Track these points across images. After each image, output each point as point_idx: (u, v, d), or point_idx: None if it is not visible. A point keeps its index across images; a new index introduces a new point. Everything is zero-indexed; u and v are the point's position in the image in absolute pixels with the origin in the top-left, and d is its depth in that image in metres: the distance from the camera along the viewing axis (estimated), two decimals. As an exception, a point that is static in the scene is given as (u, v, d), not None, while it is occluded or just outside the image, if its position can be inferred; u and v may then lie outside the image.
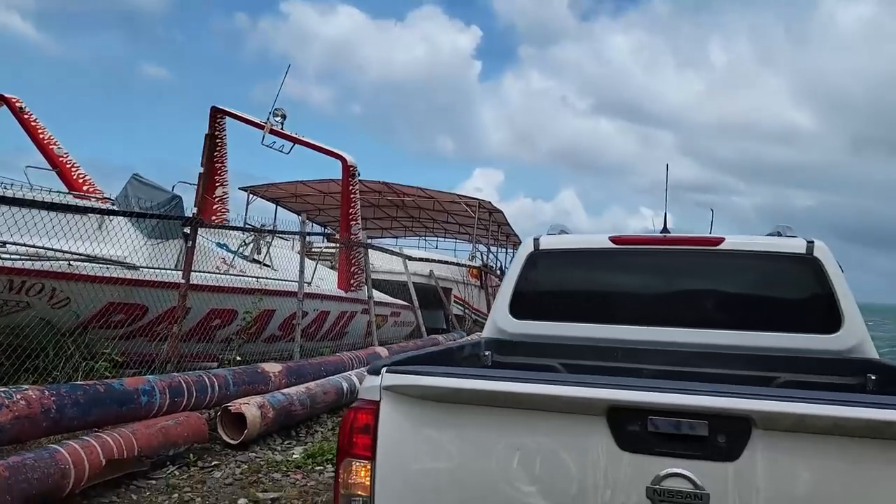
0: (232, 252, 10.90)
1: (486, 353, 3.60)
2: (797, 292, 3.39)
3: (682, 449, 1.78)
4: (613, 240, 3.68)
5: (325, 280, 11.90)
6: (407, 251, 16.51)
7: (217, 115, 11.36)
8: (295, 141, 10.82)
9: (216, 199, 12.23)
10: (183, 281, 7.32)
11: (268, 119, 10.95)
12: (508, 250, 26.28)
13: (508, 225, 22.68)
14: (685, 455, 1.78)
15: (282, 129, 10.85)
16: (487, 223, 20.85)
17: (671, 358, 3.41)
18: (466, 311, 17.88)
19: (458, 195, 19.35)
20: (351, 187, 10.69)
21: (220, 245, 10.94)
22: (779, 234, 3.64)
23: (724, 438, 1.77)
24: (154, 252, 9.01)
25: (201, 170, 7.17)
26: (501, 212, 20.89)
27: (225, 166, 12.10)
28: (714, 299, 3.60)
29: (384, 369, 2.06)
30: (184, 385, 5.96)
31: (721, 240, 3.50)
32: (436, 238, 25.71)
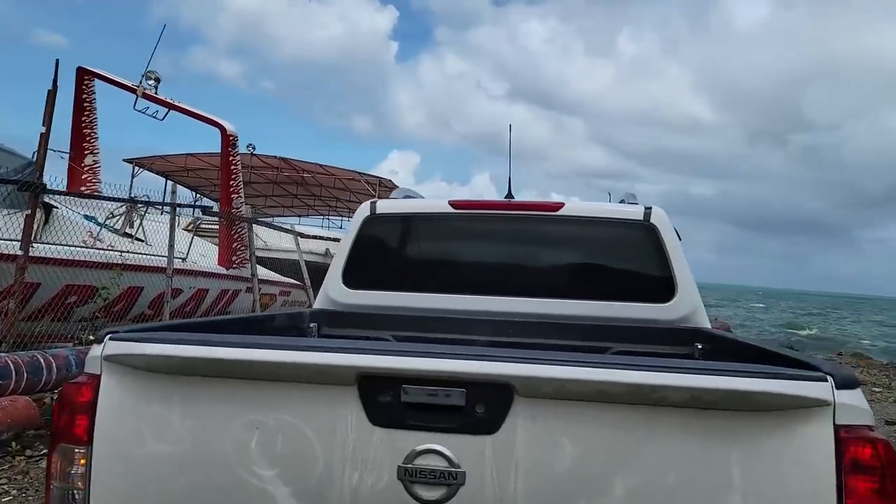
0: (99, 225, 10.12)
1: (312, 325, 3.30)
2: (633, 260, 3.27)
3: (438, 422, 1.55)
4: (453, 204, 3.45)
5: (207, 257, 11.27)
6: (309, 231, 16.00)
7: (84, 77, 10.50)
8: (169, 106, 10.11)
9: (86, 168, 11.34)
10: (21, 252, 6.63)
11: (140, 82, 10.17)
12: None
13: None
14: (440, 429, 1.55)
15: (156, 93, 10.10)
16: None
17: (506, 329, 3.23)
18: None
19: (358, 173, 18.86)
20: (231, 158, 10.10)
21: (88, 217, 10.12)
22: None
23: (482, 409, 1.54)
24: (5, 223, 8.20)
25: (43, 129, 6.46)
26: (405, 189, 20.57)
27: (95, 133, 11.21)
28: (552, 267, 3.45)
29: (107, 336, 1.73)
30: (11, 366, 5.38)
31: (560, 205, 3.33)
32: (340, 217, 25.13)
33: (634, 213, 3.26)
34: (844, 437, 1.50)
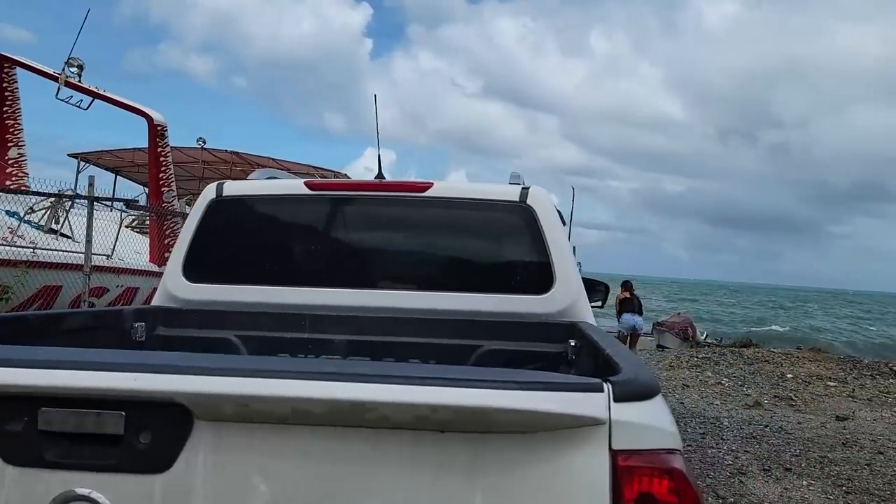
0: (20, 220, 9.57)
1: (137, 325, 2.84)
2: (508, 247, 2.92)
3: (88, 457, 1.15)
4: (309, 185, 3.06)
5: (143, 254, 10.75)
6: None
7: (3, 64, 9.91)
8: (94, 95, 9.57)
9: (10, 162, 10.75)
10: None
11: (63, 70, 9.61)
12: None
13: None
14: (92, 467, 1.15)
15: (79, 81, 9.55)
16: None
17: (366, 326, 2.84)
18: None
19: (313, 167, 18.35)
20: (160, 149, 9.59)
21: (9, 213, 9.56)
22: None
23: (148, 438, 1.15)
24: None
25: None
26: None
27: (19, 124, 10.63)
28: (420, 256, 3.07)
29: None
30: None
31: (429, 185, 2.95)
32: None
33: (509, 193, 2.90)
34: (623, 465, 1.13)
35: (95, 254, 9.11)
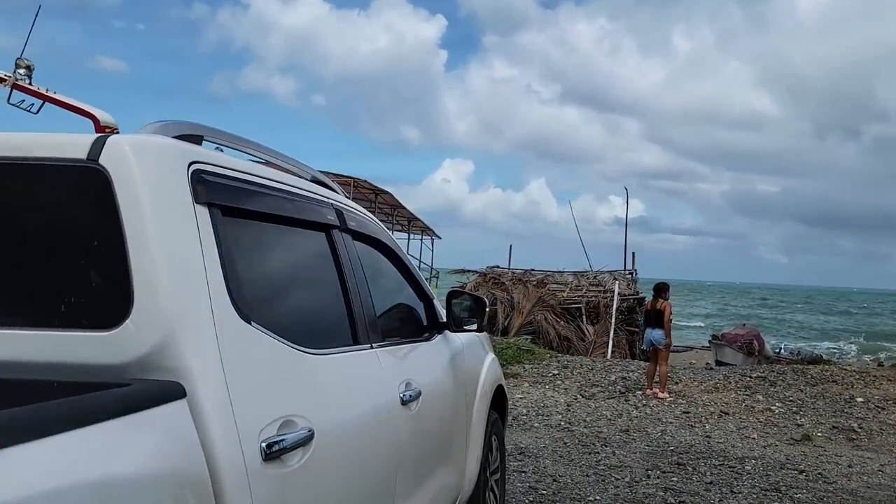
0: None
1: None
2: (64, 242, 1.65)
3: None
4: None
5: None
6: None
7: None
8: (44, 98, 8.90)
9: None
10: None
11: (13, 72, 9.00)
12: (415, 237, 24.60)
13: (404, 207, 20.96)
14: None
15: (30, 83, 8.91)
16: (372, 205, 19.10)
17: None
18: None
19: (333, 174, 17.54)
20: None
21: None
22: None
23: None
24: None
25: None
26: (389, 192, 19.15)
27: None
28: None
29: None
30: None
31: None
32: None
33: (71, 146, 1.61)
34: None
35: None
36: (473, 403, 3.55)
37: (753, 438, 7.77)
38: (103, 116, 8.28)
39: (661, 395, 9.86)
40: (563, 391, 10.41)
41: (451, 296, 3.28)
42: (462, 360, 3.42)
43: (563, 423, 8.26)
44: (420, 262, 24.97)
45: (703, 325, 43.91)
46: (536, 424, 8.19)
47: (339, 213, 2.47)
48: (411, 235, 25.16)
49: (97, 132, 7.58)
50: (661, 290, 10.62)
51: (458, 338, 3.42)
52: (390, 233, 3.17)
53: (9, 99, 9.40)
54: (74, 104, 9.08)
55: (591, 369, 12.03)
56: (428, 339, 3.13)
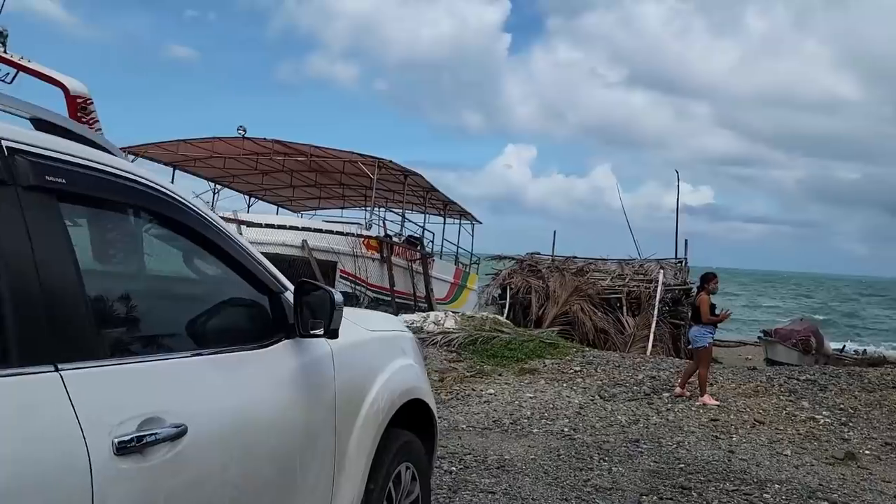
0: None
1: None
2: None
3: None
4: None
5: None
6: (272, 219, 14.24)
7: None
8: (19, 67, 8.50)
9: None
10: None
11: (-6, 42, 8.63)
12: (453, 221, 23.81)
13: (437, 190, 20.16)
14: None
15: (4, 51, 8.52)
16: (401, 187, 18.39)
17: None
18: (358, 288, 15.54)
19: (358, 154, 16.90)
20: (85, 124, 8.34)
21: None
22: None
23: None
24: None
25: None
26: (420, 174, 18.36)
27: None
28: None
29: None
30: None
31: None
32: (365, 208, 23.28)
33: None
34: None
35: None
36: (352, 428, 2.78)
37: (786, 455, 6.74)
38: (74, 85, 7.64)
39: (706, 400, 8.84)
40: (581, 391, 9.51)
41: (301, 289, 2.50)
42: (325, 372, 2.64)
43: (566, 430, 7.40)
44: (458, 247, 24.19)
45: (765, 318, 41.72)
46: (535, 430, 7.35)
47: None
48: (454, 221, 24.38)
49: (68, 103, 6.97)
50: (704, 280, 9.56)
51: (323, 344, 2.64)
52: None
53: None
54: (47, 73, 8.44)
55: (618, 366, 11.06)
56: (260, 348, 2.37)
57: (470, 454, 6.26)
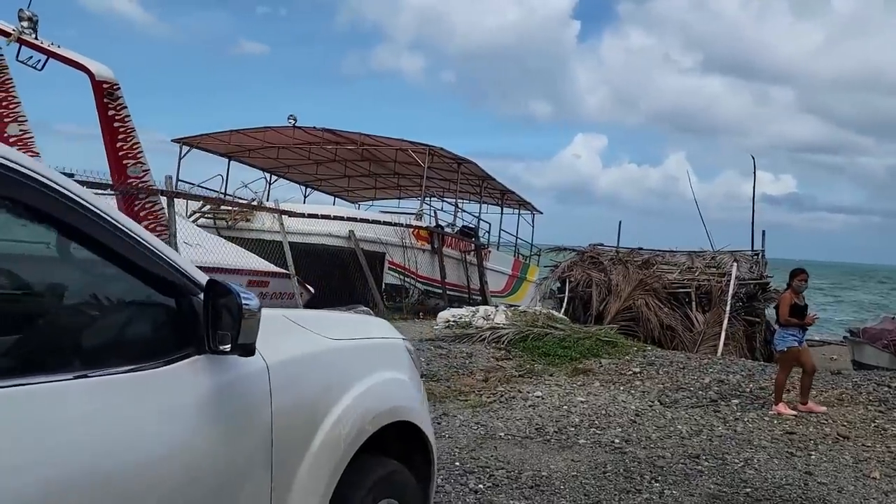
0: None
1: None
2: None
3: None
4: None
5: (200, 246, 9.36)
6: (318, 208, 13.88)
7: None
8: (48, 53, 8.35)
9: (12, 139, 10.02)
10: None
11: (26, 28, 8.50)
12: (512, 211, 23.10)
13: (494, 179, 19.47)
14: None
15: (35, 38, 8.38)
16: (455, 176, 17.81)
17: None
18: (407, 280, 15.07)
19: (409, 142, 16.40)
20: (111, 112, 8.11)
21: None
22: None
23: None
24: None
25: None
26: (473, 162, 17.73)
27: (13, 96, 9.83)
28: None
29: None
30: None
31: None
32: (422, 198, 22.87)
33: None
34: None
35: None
36: (299, 461, 2.21)
37: (874, 479, 5.83)
38: (100, 71, 7.34)
39: (781, 409, 7.94)
40: (640, 395, 8.72)
41: (210, 291, 1.93)
42: (255, 394, 2.07)
43: (616, 441, 6.67)
44: (518, 238, 23.47)
45: (850, 316, 39.25)
46: (582, 440, 6.66)
47: None
48: (513, 211, 23.67)
49: (95, 88, 6.63)
50: (791, 276, 8.61)
51: (255, 360, 2.06)
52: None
53: (17, 56, 8.58)
54: (74, 58, 8.27)
55: (683, 368, 10.20)
56: (155, 367, 1.81)
57: (503, 468, 5.64)
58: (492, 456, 5.95)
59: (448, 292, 16.66)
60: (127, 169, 8.39)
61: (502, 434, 6.74)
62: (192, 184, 16.75)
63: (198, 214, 13.97)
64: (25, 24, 8.29)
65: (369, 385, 2.59)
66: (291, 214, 12.61)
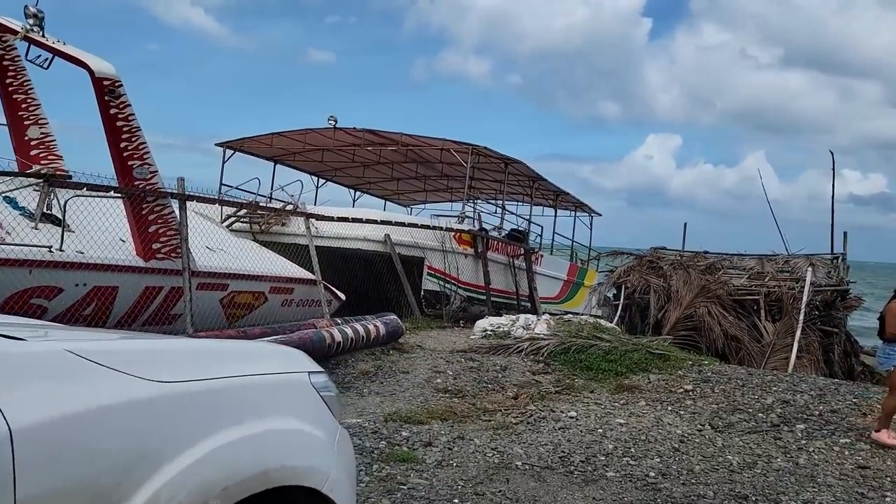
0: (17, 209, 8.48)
1: None
2: None
3: None
4: None
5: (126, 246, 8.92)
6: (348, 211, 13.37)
7: (-2, 31, 8.90)
8: (54, 51, 8.09)
9: (33, 142, 9.90)
10: None
11: (33, 25, 8.28)
12: (568, 214, 22.14)
13: (545, 179, 18.60)
14: None
15: (42, 35, 8.14)
16: (503, 177, 17.04)
17: None
18: (448, 286, 14.39)
19: (452, 142, 15.72)
20: (113, 110, 7.75)
21: (6, 199, 8.54)
22: None
23: None
24: None
25: None
26: (522, 162, 16.91)
27: (33, 99, 9.69)
28: None
29: None
30: None
31: None
32: (464, 200, 22.09)
33: None
34: None
35: (34, 245, 7.62)
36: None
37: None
38: (100, 67, 6.85)
39: (881, 438, 6.91)
40: (689, 417, 7.81)
41: None
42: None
43: (652, 475, 5.82)
44: (574, 241, 22.49)
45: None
46: (611, 473, 5.83)
47: None
48: (569, 213, 22.72)
49: (95, 86, 6.16)
50: None
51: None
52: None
53: (26, 55, 8.28)
54: (76, 55, 7.93)
55: (742, 385, 9.17)
56: None
57: (508, 508, 4.90)
58: (499, 491, 5.22)
59: (495, 299, 15.91)
60: (133, 170, 8.03)
61: (520, 463, 5.98)
62: (231, 186, 16.60)
63: (233, 219, 13.69)
64: (31, 21, 8.05)
65: (226, 442, 1.91)
66: (319, 218, 12.14)
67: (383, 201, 24.74)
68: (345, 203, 22.67)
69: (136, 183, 8.10)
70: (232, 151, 18.12)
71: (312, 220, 12.19)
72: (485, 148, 15.37)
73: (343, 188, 23.17)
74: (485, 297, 15.14)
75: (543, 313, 12.67)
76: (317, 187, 21.51)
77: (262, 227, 13.37)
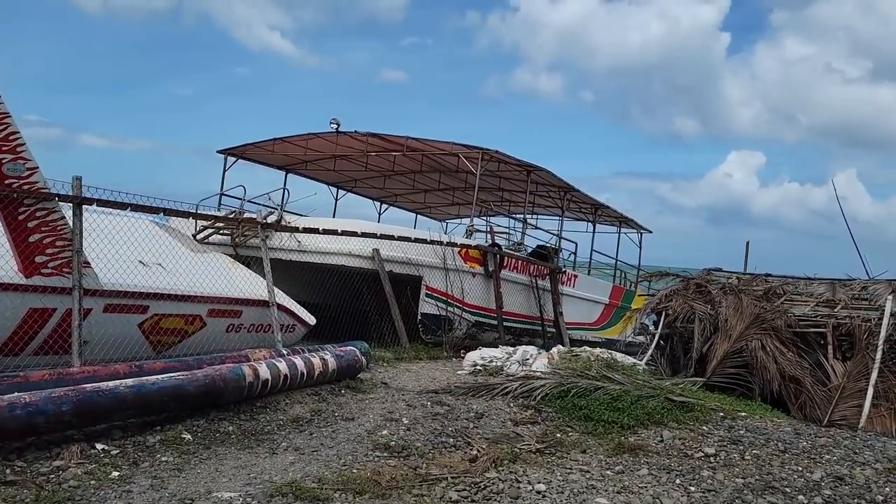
0: None
1: None
2: None
3: None
4: None
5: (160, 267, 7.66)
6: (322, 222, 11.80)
7: None
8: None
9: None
10: None
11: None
12: (611, 229, 20.01)
13: (578, 190, 16.60)
14: None
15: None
16: (524, 186, 15.15)
17: None
18: (450, 309, 12.57)
19: (461, 146, 13.96)
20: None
21: None
22: None
23: None
24: None
25: None
26: (547, 170, 14.98)
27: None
28: None
29: None
30: None
31: None
32: (472, 211, 20.16)
33: None
34: None
35: None
36: None
37: None
38: None
39: None
40: (701, 496, 5.81)
41: None
42: None
43: None
44: (618, 260, 20.30)
45: None
46: None
47: None
48: (613, 230, 20.61)
49: None
50: None
51: None
52: None
53: None
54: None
55: (784, 451, 7.05)
56: None
57: None
58: None
59: (513, 324, 14.02)
60: (3, 166, 6.66)
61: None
62: (228, 195, 15.36)
63: (210, 231, 12.33)
64: None
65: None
66: (277, 228, 10.62)
67: (414, 215, 23.21)
68: (370, 217, 21.25)
69: (9, 182, 6.71)
70: (234, 159, 16.92)
71: (295, 233, 10.69)
72: (496, 152, 13.55)
73: (368, 200, 21.76)
74: (496, 322, 13.26)
75: (547, 348, 10.74)
76: (336, 199, 20.15)
77: (237, 240, 11.95)
